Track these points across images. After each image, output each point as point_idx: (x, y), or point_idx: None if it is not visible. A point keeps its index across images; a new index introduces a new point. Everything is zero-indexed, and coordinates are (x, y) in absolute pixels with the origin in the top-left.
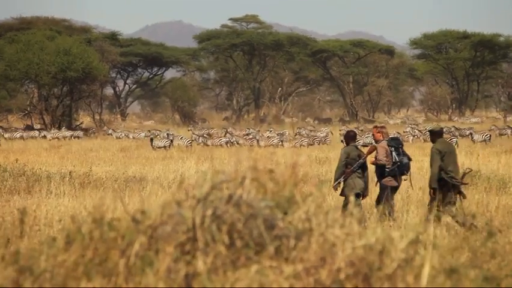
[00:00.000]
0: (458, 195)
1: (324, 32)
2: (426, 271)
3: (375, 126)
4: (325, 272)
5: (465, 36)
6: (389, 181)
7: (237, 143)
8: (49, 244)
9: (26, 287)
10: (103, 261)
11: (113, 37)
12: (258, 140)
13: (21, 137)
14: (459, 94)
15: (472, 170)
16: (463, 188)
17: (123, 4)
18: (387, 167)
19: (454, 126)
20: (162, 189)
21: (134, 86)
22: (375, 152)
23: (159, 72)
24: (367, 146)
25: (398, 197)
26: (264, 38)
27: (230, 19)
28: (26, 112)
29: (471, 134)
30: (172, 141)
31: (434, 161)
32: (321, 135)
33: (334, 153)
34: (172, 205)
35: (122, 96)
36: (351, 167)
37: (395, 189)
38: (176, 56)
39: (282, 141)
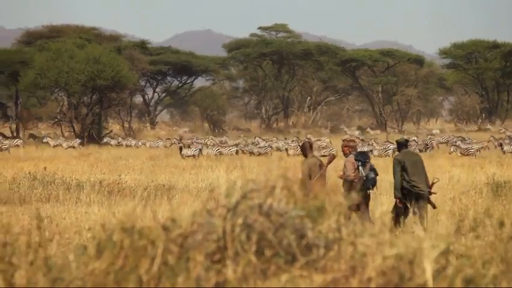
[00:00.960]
0: (429, 203)
1: (353, 41)
2: (458, 282)
3: (344, 140)
4: (355, 281)
5: (495, 46)
6: (358, 200)
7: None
8: (80, 252)
9: None
10: (134, 269)
11: (142, 45)
12: (287, 149)
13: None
14: (489, 104)
15: (439, 180)
16: (432, 198)
17: (153, 13)
18: (354, 181)
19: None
20: (191, 197)
21: (164, 94)
22: (343, 166)
23: (188, 81)
24: (326, 156)
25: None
26: (293, 47)
27: (259, 28)
28: (56, 120)
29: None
30: (201, 150)
31: (394, 171)
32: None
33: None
34: (203, 214)
35: (151, 104)
36: (313, 178)
37: (363, 202)
38: (205, 64)
39: None
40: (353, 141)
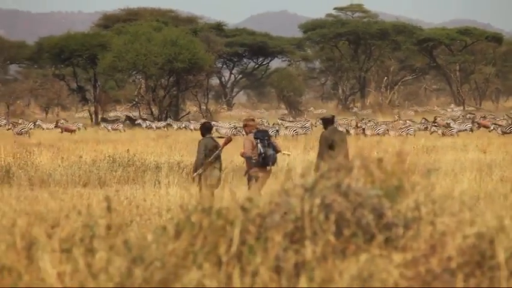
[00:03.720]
0: None
1: (430, 21)
2: None
3: (244, 119)
4: (435, 260)
5: None
6: (254, 172)
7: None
8: (159, 233)
9: (137, 274)
10: (212, 249)
11: (218, 27)
12: (364, 129)
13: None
14: None
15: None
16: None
17: None
18: (253, 158)
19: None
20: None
21: (240, 76)
22: (243, 144)
23: (264, 62)
24: (223, 138)
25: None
26: (369, 27)
27: (335, 8)
28: (134, 103)
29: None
30: (278, 130)
31: (320, 147)
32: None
33: (441, 142)
34: (281, 194)
35: (228, 86)
36: (208, 158)
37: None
38: (281, 45)
39: (388, 130)
40: (253, 120)
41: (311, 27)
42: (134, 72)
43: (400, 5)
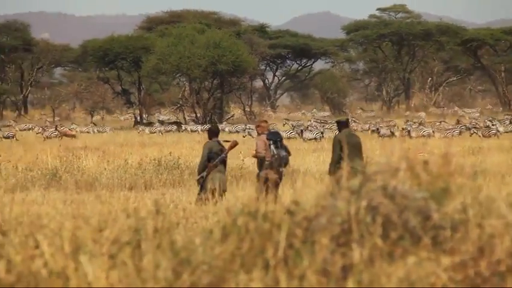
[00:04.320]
0: None
1: (473, 21)
2: None
3: (257, 121)
4: (484, 263)
5: None
6: (265, 173)
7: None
8: (206, 236)
9: (184, 278)
10: (259, 253)
11: (261, 29)
12: (409, 131)
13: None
14: None
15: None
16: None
17: None
18: (266, 159)
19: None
20: (314, 180)
21: (284, 78)
22: (255, 145)
23: (308, 64)
24: (228, 142)
25: None
26: (412, 28)
27: (378, 9)
28: (178, 105)
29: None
30: (322, 132)
31: (334, 150)
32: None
33: (487, 143)
34: (327, 197)
35: (271, 88)
36: (213, 161)
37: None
38: (324, 47)
39: (433, 132)
40: (265, 121)
41: (354, 29)
42: (178, 75)
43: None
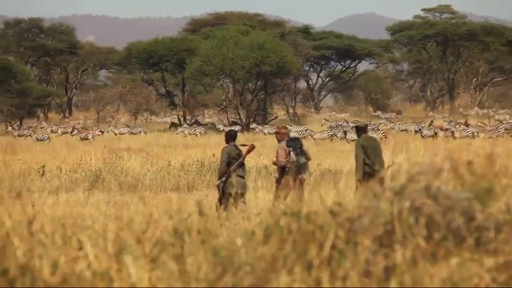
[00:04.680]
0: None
1: None
2: None
3: (276, 127)
4: None
5: None
6: (286, 180)
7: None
8: (248, 237)
9: (227, 279)
10: (302, 254)
11: (306, 30)
12: (453, 132)
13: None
14: None
15: (394, 163)
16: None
17: None
18: (287, 166)
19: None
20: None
21: (327, 79)
22: (276, 153)
23: (352, 65)
24: (246, 146)
25: None
26: (457, 28)
27: (423, 10)
28: (222, 107)
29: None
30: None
31: (357, 155)
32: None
33: None
34: (369, 198)
35: (315, 89)
36: (232, 166)
37: (299, 185)
38: (368, 48)
39: (477, 132)
40: (285, 127)
41: (399, 29)
42: (221, 77)
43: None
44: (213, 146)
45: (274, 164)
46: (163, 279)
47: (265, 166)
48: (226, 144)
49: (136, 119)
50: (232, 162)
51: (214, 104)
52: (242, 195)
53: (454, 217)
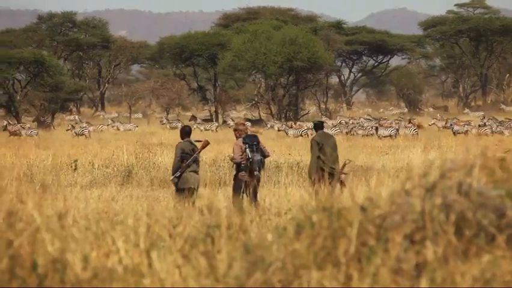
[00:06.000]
0: (340, 184)
1: None
2: None
3: (235, 124)
4: None
5: None
6: (242, 175)
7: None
8: (279, 233)
9: (258, 276)
10: (332, 250)
11: (338, 26)
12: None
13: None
14: None
15: (351, 161)
16: (343, 177)
17: None
18: (242, 163)
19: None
20: (389, 178)
21: (360, 74)
22: (232, 149)
23: (384, 60)
24: (200, 141)
25: None
26: (491, 23)
27: (456, 5)
28: (254, 102)
29: None
30: (397, 129)
31: (312, 151)
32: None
33: None
34: (401, 194)
35: (347, 84)
36: (186, 161)
37: (255, 182)
38: (401, 43)
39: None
40: (242, 124)
41: (431, 24)
42: (253, 72)
43: None
44: None
45: (231, 160)
46: (194, 275)
47: (297, 163)
48: (180, 140)
49: (167, 113)
50: (187, 158)
51: (246, 99)
52: (192, 190)
53: (486, 214)
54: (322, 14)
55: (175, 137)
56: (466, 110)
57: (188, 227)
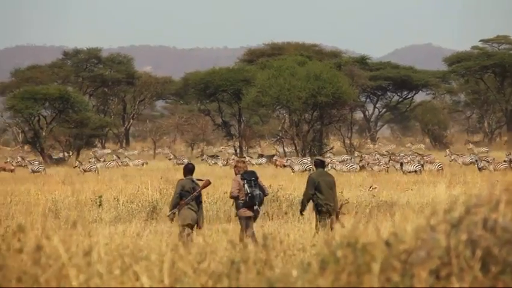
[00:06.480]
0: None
1: None
2: None
3: (235, 160)
4: None
5: None
6: (243, 212)
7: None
8: (304, 269)
9: None
10: (357, 285)
11: (362, 61)
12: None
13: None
14: None
15: (348, 202)
16: (340, 215)
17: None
18: (241, 198)
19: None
20: (414, 213)
21: (384, 109)
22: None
23: (409, 96)
24: (202, 180)
25: None
26: None
27: (481, 40)
28: (278, 137)
29: None
30: (422, 165)
31: (306, 187)
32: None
33: None
34: (426, 230)
35: (372, 120)
36: (185, 198)
37: (250, 218)
38: (425, 79)
39: None
40: (242, 161)
41: (456, 60)
42: (278, 107)
43: None
44: (269, 178)
45: (230, 196)
46: None
47: None
48: (182, 177)
49: (192, 149)
50: (186, 195)
51: (270, 135)
52: (191, 227)
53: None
54: (346, 49)
55: (201, 172)
56: (471, 146)
57: (213, 263)
